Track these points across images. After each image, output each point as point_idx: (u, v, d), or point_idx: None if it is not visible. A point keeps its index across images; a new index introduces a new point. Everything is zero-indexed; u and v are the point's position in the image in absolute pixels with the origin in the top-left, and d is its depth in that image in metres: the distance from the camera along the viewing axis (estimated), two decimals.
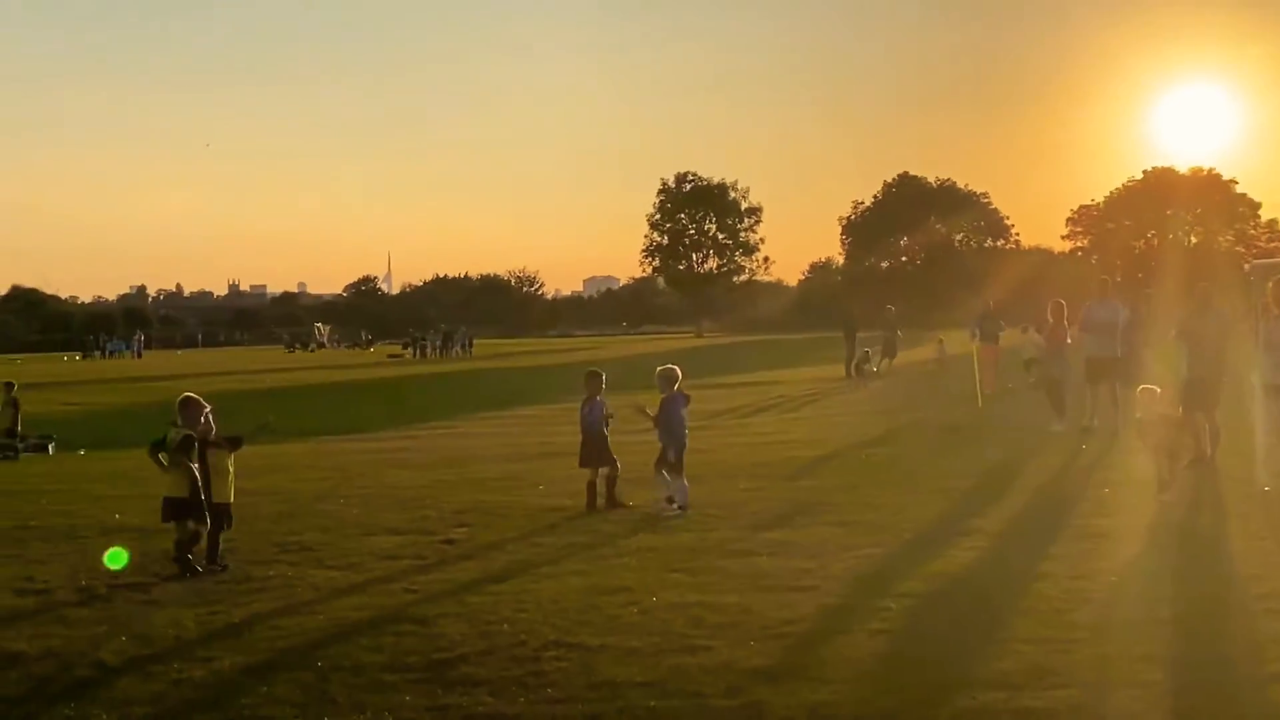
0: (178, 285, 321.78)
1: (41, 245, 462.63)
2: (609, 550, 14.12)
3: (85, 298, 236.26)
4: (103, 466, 24.92)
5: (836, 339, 53.70)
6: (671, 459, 16.99)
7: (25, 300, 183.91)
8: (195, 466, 13.68)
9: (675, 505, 16.65)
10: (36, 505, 18.97)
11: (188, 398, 14.09)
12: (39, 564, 14.18)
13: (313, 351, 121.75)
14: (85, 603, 12.26)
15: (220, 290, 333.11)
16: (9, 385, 30.77)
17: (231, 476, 14.02)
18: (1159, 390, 16.76)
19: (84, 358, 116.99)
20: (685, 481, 16.97)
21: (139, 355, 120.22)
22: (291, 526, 16.33)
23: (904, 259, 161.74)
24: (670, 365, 17.84)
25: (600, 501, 17.22)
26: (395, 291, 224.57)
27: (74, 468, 25.11)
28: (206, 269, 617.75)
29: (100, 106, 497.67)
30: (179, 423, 13.89)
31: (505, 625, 10.69)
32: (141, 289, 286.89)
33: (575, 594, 11.88)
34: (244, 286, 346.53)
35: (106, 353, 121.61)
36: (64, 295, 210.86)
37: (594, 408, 17.55)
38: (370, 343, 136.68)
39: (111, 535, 15.98)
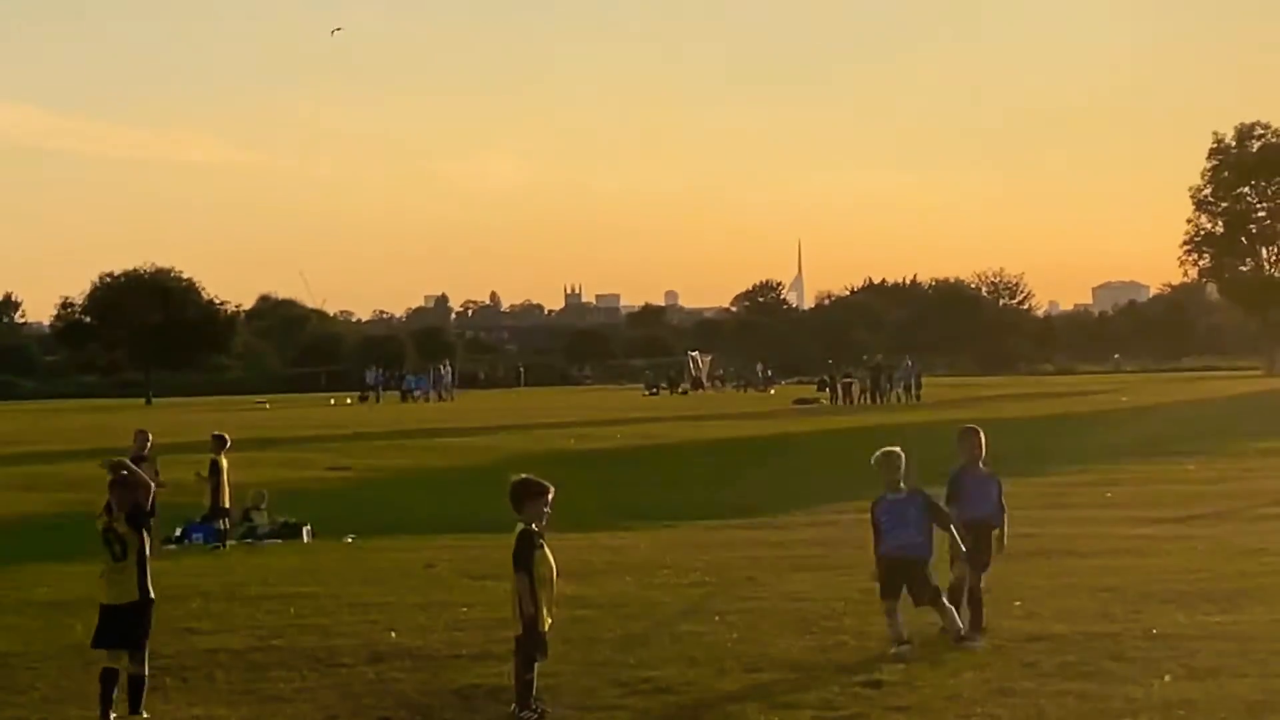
0: (492, 295, 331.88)
1: (301, 245, 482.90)
2: (1118, 703, 13.81)
3: (362, 315, 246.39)
4: (377, 560, 25.79)
5: None
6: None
7: (278, 317, 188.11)
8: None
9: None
10: (282, 617, 19.77)
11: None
12: (278, 703, 14.70)
13: (684, 394, 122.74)
14: None
15: (553, 303, 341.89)
16: (219, 439, 31.01)
17: None
18: None
19: (363, 400, 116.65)
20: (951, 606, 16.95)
21: (444, 396, 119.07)
22: (643, 656, 16.57)
23: None
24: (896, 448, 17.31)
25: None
26: (808, 305, 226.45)
27: (336, 562, 25.99)
28: (532, 270, 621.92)
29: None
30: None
31: None
32: (441, 300, 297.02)
33: None
34: (586, 297, 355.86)
35: (405, 393, 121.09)
36: (332, 311, 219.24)
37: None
38: (770, 381, 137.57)
39: (383, 662, 16.45)
